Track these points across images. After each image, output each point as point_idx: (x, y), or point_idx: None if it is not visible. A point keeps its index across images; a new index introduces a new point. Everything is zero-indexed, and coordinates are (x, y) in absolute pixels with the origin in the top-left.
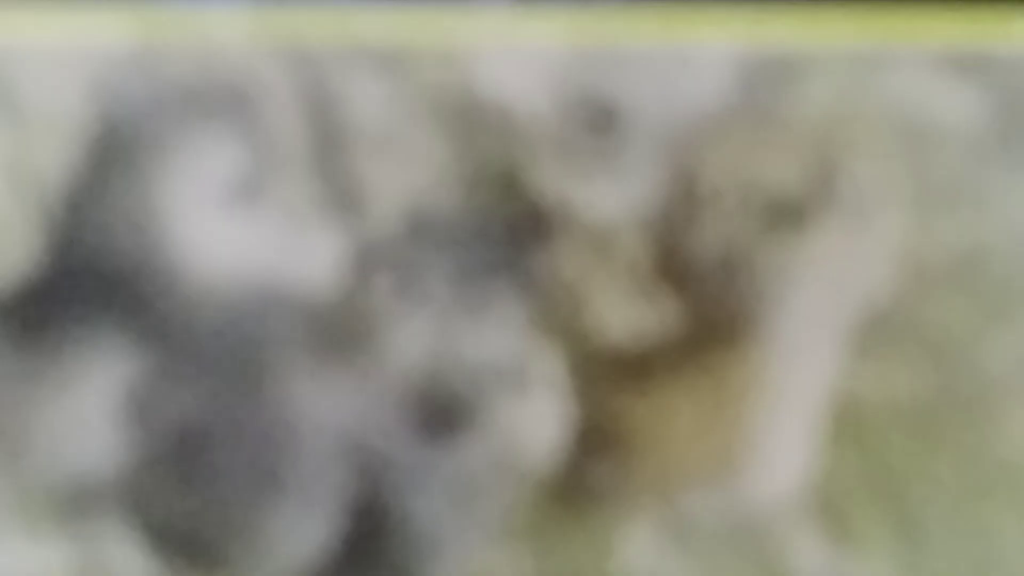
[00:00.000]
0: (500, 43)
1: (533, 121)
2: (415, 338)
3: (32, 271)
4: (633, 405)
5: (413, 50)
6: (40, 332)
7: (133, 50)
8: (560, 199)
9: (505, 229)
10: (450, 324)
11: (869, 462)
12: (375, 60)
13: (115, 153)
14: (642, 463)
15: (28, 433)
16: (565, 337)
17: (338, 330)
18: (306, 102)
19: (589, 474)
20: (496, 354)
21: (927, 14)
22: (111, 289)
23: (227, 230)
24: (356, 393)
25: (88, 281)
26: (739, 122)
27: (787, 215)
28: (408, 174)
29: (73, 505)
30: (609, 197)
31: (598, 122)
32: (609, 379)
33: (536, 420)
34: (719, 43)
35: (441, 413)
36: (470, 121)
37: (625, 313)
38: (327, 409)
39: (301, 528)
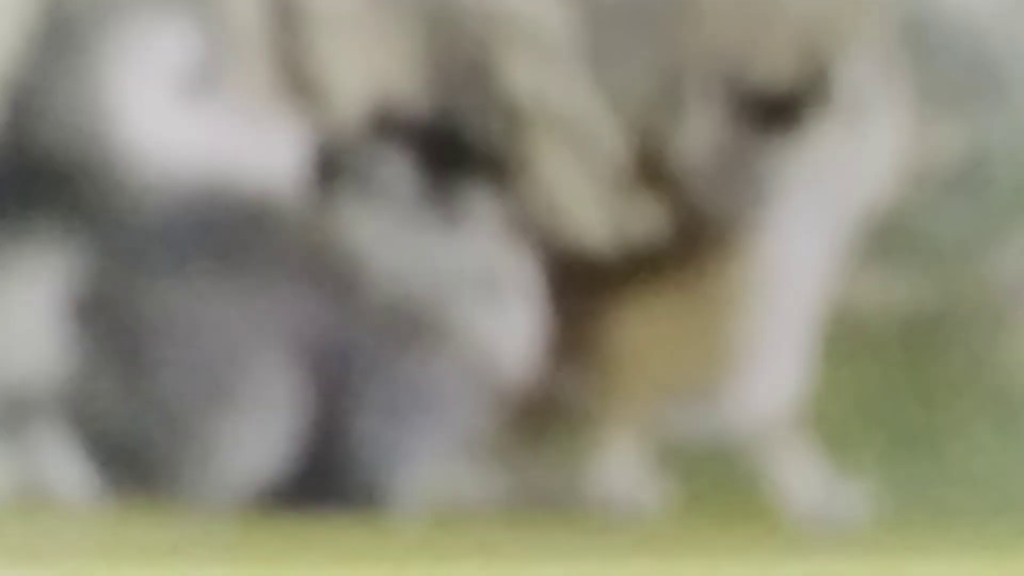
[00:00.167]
0: None
1: (508, 7)
2: (379, 243)
3: None
4: (612, 316)
5: None
6: None
7: None
8: (536, 93)
9: (477, 125)
10: (417, 228)
11: (864, 379)
12: None
13: (60, 38)
14: (621, 377)
15: None
16: (541, 242)
17: (297, 232)
18: None
19: (565, 389)
20: (466, 260)
21: None
22: (55, 183)
23: (179, 121)
24: (316, 299)
25: (30, 174)
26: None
27: (777, 112)
28: (373, 62)
29: (8, 414)
30: (588, 90)
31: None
32: (587, 288)
33: (509, 331)
34: None
35: (407, 322)
36: (439, 4)
37: (605, 217)
38: (285, 315)
39: (254, 443)
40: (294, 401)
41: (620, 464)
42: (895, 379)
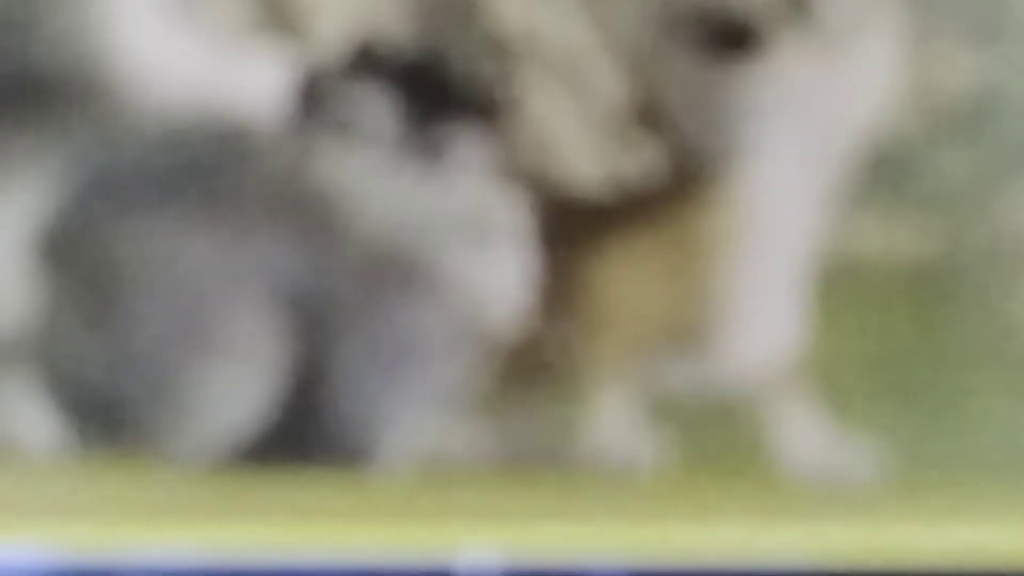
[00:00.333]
0: None
1: None
2: (361, 184)
3: None
4: (599, 262)
5: None
6: None
7: None
8: (528, 29)
9: (465, 63)
10: (402, 169)
11: (868, 329)
12: None
13: None
14: (608, 324)
15: None
16: (531, 186)
17: (276, 171)
18: None
19: (554, 339)
20: (452, 204)
21: None
22: (33, 108)
23: (162, 48)
24: (295, 243)
25: (7, 96)
26: None
27: (742, 37)
28: None
29: None
30: (583, 28)
31: None
32: (576, 233)
33: (497, 278)
34: None
35: (390, 269)
36: None
37: (598, 159)
38: (263, 260)
39: (232, 393)
40: (273, 350)
41: (612, 419)
42: (900, 329)
